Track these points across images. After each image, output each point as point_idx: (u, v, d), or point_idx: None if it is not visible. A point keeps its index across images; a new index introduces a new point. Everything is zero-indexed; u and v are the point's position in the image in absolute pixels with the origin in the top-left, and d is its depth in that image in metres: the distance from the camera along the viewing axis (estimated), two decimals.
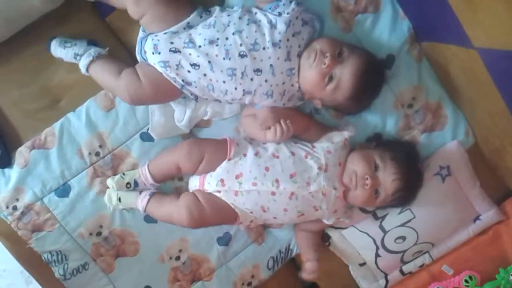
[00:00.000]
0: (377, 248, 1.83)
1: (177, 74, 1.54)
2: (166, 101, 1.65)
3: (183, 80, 1.55)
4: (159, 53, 1.53)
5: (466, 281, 1.83)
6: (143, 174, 1.69)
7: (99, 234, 1.76)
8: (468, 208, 1.81)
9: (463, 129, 1.76)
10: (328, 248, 1.89)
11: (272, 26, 1.50)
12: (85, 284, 1.80)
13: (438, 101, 1.73)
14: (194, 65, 1.52)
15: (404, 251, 1.84)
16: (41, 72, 1.70)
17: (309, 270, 1.78)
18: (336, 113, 1.70)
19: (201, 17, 1.56)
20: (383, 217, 1.79)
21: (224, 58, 1.50)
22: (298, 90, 1.58)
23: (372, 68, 1.54)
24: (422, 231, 1.80)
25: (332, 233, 1.85)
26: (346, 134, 1.65)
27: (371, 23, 1.64)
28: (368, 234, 1.82)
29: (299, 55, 1.53)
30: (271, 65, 1.50)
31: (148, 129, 1.69)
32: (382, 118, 1.72)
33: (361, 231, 1.81)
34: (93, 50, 1.62)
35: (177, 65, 1.53)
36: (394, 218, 1.78)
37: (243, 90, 1.54)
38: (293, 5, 1.52)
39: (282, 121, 1.57)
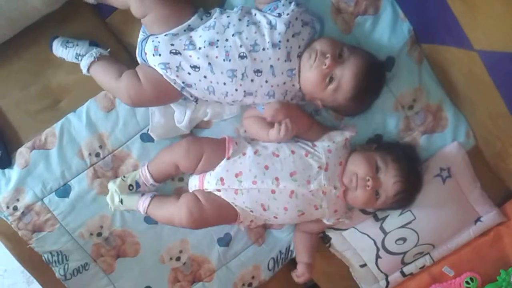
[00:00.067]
0: (378, 249, 1.83)
1: (177, 76, 1.54)
2: (166, 103, 1.66)
3: (183, 82, 1.55)
4: (160, 55, 1.53)
5: (467, 282, 1.83)
6: (143, 174, 1.69)
7: (99, 234, 1.76)
8: (469, 209, 1.81)
9: (464, 131, 1.76)
10: (329, 249, 1.88)
11: (272, 27, 1.50)
12: (85, 285, 1.81)
13: (438, 103, 1.72)
14: (194, 67, 1.52)
15: (405, 253, 1.83)
16: (42, 73, 1.70)
17: (298, 273, 1.79)
18: (336, 115, 1.70)
19: (201, 19, 1.56)
20: (384, 219, 1.79)
21: (224, 60, 1.50)
22: (300, 90, 1.57)
23: (372, 69, 1.54)
24: (423, 233, 1.80)
25: (333, 235, 1.84)
26: (347, 134, 1.64)
27: (371, 24, 1.64)
28: (368, 236, 1.81)
29: (299, 56, 1.53)
30: (271, 66, 1.50)
31: (148, 130, 1.70)
32: (383, 120, 1.72)
33: (361, 232, 1.81)
34: (94, 51, 1.62)
35: (177, 67, 1.53)
36: (394, 219, 1.78)
37: (244, 91, 1.54)
38: (292, 6, 1.52)
39: (286, 120, 1.56)
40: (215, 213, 1.64)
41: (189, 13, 1.55)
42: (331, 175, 1.60)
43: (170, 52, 1.52)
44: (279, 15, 1.52)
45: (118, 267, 1.81)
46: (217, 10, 1.57)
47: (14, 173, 1.70)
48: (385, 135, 1.74)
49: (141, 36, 1.59)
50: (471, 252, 1.86)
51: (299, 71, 1.54)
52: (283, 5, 1.54)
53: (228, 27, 1.51)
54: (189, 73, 1.53)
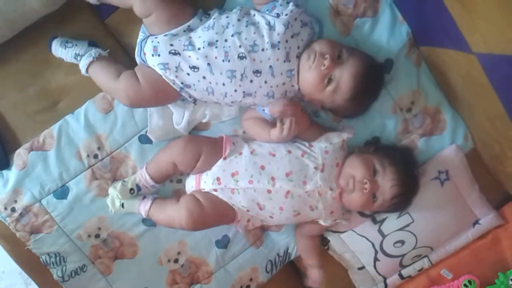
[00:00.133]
0: (376, 252, 1.83)
1: (176, 77, 1.54)
2: (165, 103, 1.65)
3: (182, 83, 1.55)
4: (159, 55, 1.53)
5: (465, 285, 1.82)
6: (142, 176, 1.69)
7: (97, 236, 1.76)
8: (467, 212, 1.81)
9: (462, 134, 1.76)
10: (327, 252, 1.88)
11: (271, 27, 1.50)
12: (83, 286, 1.80)
13: (437, 106, 1.73)
14: (193, 67, 1.51)
15: (403, 255, 1.83)
16: (40, 74, 1.70)
17: (313, 278, 1.80)
18: (334, 117, 1.70)
19: (201, 20, 1.56)
20: (382, 221, 1.79)
21: (223, 60, 1.50)
22: (299, 91, 1.57)
23: (371, 70, 1.54)
24: (421, 235, 1.80)
25: (331, 237, 1.84)
26: (344, 135, 1.64)
27: (369, 27, 1.64)
28: (367, 238, 1.81)
29: (298, 57, 1.53)
30: (270, 66, 1.50)
31: (146, 132, 1.69)
32: (381, 122, 1.72)
33: (359, 235, 1.81)
34: (93, 51, 1.62)
35: (176, 67, 1.53)
36: (393, 222, 1.78)
37: (243, 92, 1.54)
38: (291, 6, 1.53)
39: (291, 118, 1.56)
40: (215, 213, 1.64)
41: (190, 14, 1.56)
42: (328, 176, 1.60)
43: (169, 53, 1.52)
44: (278, 15, 1.52)
45: (116, 269, 1.80)
46: (216, 11, 1.58)
47: (12, 174, 1.70)
48: (383, 138, 1.74)
49: (140, 36, 1.58)
50: (470, 255, 1.86)
51: (298, 72, 1.54)
52: (280, 5, 1.54)
53: (227, 27, 1.52)
54: (188, 74, 1.53)
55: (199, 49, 1.51)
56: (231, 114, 1.69)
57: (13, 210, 1.70)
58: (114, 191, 1.68)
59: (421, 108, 1.72)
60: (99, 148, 1.70)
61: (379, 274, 1.89)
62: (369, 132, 1.73)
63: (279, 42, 1.49)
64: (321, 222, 1.68)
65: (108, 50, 1.65)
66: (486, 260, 1.85)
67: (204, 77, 1.52)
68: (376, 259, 1.85)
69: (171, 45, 1.52)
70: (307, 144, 1.64)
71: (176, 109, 1.66)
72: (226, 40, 1.50)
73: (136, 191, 1.70)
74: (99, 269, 1.80)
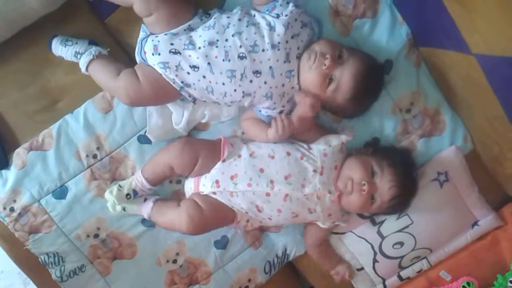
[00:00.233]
0: (375, 253, 1.83)
1: (176, 76, 1.54)
2: (165, 102, 1.65)
3: (182, 82, 1.55)
4: (159, 54, 1.53)
5: (464, 287, 1.82)
6: (139, 180, 1.68)
7: (96, 236, 1.76)
8: (466, 213, 1.81)
9: (462, 135, 1.76)
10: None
11: (271, 28, 1.50)
12: (82, 286, 1.80)
13: (436, 107, 1.73)
14: (193, 67, 1.52)
15: (402, 257, 1.83)
16: (40, 74, 1.70)
17: (342, 273, 1.84)
18: (334, 117, 1.70)
19: (201, 20, 1.56)
20: (381, 223, 1.79)
21: (223, 60, 1.50)
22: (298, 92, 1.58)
23: (372, 70, 1.55)
24: (420, 237, 1.80)
25: (330, 239, 1.84)
26: (343, 137, 1.64)
27: (369, 27, 1.65)
28: (366, 240, 1.81)
29: (298, 57, 1.54)
30: (270, 67, 1.51)
31: (145, 132, 1.69)
32: (380, 123, 1.72)
33: (359, 236, 1.81)
34: (93, 49, 1.62)
35: (176, 66, 1.53)
36: (392, 223, 1.78)
37: (243, 92, 1.54)
38: (291, 7, 1.53)
39: (279, 117, 1.56)
40: (215, 217, 1.64)
41: (190, 14, 1.56)
42: (326, 179, 1.60)
43: (170, 52, 1.52)
44: (278, 16, 1.52)
45: (114, 269, 1.80)
46: (217, 10, 1.58)
47: (11, 174, 1.70)
48: (382, 139, 1.73)
49: (141, 35, 1.58)
50: (468, 256, 1.85)
51: (298, 73, 1.54)
52: (280, 5, 1.54)
53: (228, 27, 1.52)
54: (188, 73, 1.53)
55: (199, 48, 1.51)
56: (230, 114, 1.69)
57: (12, 210, 1.70)
58: (110, 197, 1.68)
59: (420, 109, 1.72)
60: (98, 148, 1.70)
61: (378, 276, 1.88)
62: (369, 133, 1.73)
63: (279, 43, 1.50)
64: (319, 224, 1.69)
65: (108, 49, 1.65)
66: (485, 261, 1.85)
67: (204, 76, 1.52)
68: (375, 261, 1.85)
69: (172, 44, 1.52)
70: (306, 147, 1.64)
71: (176, 109, 1.66)
72: (226, 40, 1.50)
73: (132, 196, 1.69)
74: (97, 269, 1.79)
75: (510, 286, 1.79)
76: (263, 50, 1.50)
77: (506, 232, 1.84)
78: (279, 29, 1.50)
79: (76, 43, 1.64)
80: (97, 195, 1.72)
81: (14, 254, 1.77)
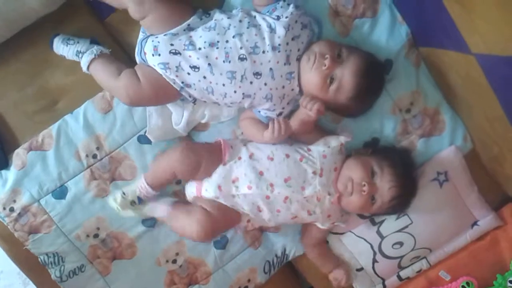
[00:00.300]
0: (375, 253, 1.83)
1: (176, 76, 1.54)
2: (165, 102, 1.65)
3: (182, 82, 1.55)
4: (159, 54, 1.53)
5: (463, 287, 1.82)
6: (143, 188, 1.66)
7: (96, 236, 1.76)
8: (466, 213, 1.81)
9: (461, 135, 1.76)
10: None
11: (272, 30, 1.51)
12: (81, 286, 1.80)
13: (436, 106, 1.73)
14: (194, 67, 1.52)
15: (402, 257, 1.83)
16: (39, 74, 1.70)
17: (339, 278, 1.82)
18: (334, 118, 1.70)
19: (200, 19, 1.56)
20: (381, 223, 1.79)
21: (224, 61, 1.50)
22: (298, 94, 1.58)
23: (372, 67, 1.55)
24: (420, 237, 1.80)
25: (330, 238, 1.84)
26: (342, 139, 1.64)
27: (369, 27, 1.65)
28: (365, 240, 1.81)
29: (299, 59, 1.54)
30: (270, 69, 1.51)
31: (145, 132, 1.69)
32: (380, 123, 1.72)
33: (358, 236, 1.81)
34: (95, 48, 1.62)
35: (177, 67, 1.53)
36: (391, 223, 1.78)
37: (243, 93, 1.54)
38: (291, 8, 1.53)
39: (276, 120, 1.56)
40: (225, 221, 1.65)
41: (188, 13, 1.56)
42: (326, 181, 1.60)
43: (170, 52, 1.52)
44: (278, 18, 1.52)
45: (114, 269, 1.80)
46: (217, 11, 1.58)
47: (10, 174, 1.70)
48: (382, 139, 1.73)
49: (141, 35, 1.59)
50: (468, 256, 1.86)
51: (298, 75, 1.54)
52: (281, 7, 1.54)
53: (228, 28, 1.52)
54: (188, 73, 1.53)
55: (199, 49, 1.51)
56: (230, 114, 1.69)
57: (11, 210, 1.70)
58: (114, 204, 1.67)
59: (420, 108, 1.72)
60: (98, 148, 1.70)
61: (378, 276, 1.88)
62: (369, 133, 1.73)
63: (279, 44, 1.50)
64: (319, 225, 1.68)
65: (110, 50, 1.65)
66: (484, 261, 1.85)
67: (204, 77, 1.52)
68: (374, 261, 1.85)
69: (172, 44, 1.52)
70: (305, 148, 1.64)
71: (175, 109, 1.66)
72: (227, 41, 1.50)
73: (137, 203, 1.69)
74: (97, 269, 1.79)
75: (509, 286, 1.79)
76: (263, 52, 1.50)
77: (506, 232, 1.84)
78: (280, 31, 1.50)
79: (78, 42, 1.64)
80: (96, 195, 1.73)
81: (13, 254, 1.77)
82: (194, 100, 1.61)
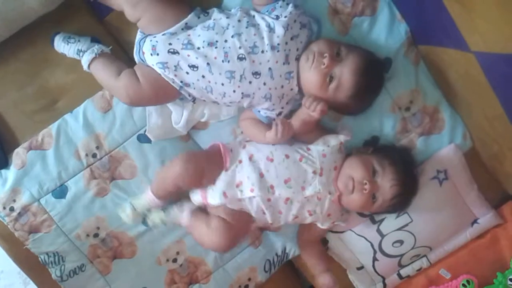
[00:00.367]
0: (375, 252, 1.83)
1: (175, 76, 1.54)
2: (165, 102, 1.65)
3: (181, 82, 1.55)
4: (158, 54, 1.53)
5: (463, 285, 1.82)
6: (151, 201, 1.66)
7: (96, 235, 1.76)
8: (466, 211, 1.81)
9: (461, 133, 1.76)
10: (326, 252, 1.88)
11: (271, 30, 1.50)
12: (82, 286, 1.80)
13: (435, 105, 1.73)
14: (192, 66, 1.52)
15: (402, 255, 1.83)
16: (39, 73, 1.71)
17: (326, 283, 1.78)
18: (333, 116, 1.70)
19: (198, 17, 1.56)
20: (381, 221, 1.79)
21: (223, 61, 1.50)
22: (297, 94, 1.57)
23: (371, 65, 1.54)
24: (420, 235, 1.80)
25: (330, 237, 1.84)
26: (342, 137, 1.64)
27: (368, 25, 1.64)
28: (365, 238, 1.81)
29: (298, 58, 1.54)
30: (269, 68, 1.51)
31: (145, 131, 1.70)
32: (380, 121, 1.72)
33: (358, 235, 1.81)
34: (96, 47, 1.62)
35: (175, 66, 1.53)
36: (391, 222, 1.78)
37: (242, 93, 1.54)
38: (290, 8, 1.53)
39: (280, 120, 1.56)
40: (243, 228, 1.66)
41: (185, 11, 1.56)
42: (326, 180, 1.60)
43: (168, 52, 1.52)
44: (277, 17, 1.52)
45: (114, 269, 1.80)
46: (215, 10, 1.58)
47: (10, 173, 1.70)
48: (382, 137, 1.73)
49: (139, 35, 1.59)
50: (468, 255, 1.86)
51: (297, 74, 1.54)
52: (280, 6, 1.54)
53: (227, 28, 1.52)
54: (187, 73, 1.53)
55: (198, 48, 1.51)
56: (229, 113, 1.69)
57: (11, 209, 1.71)
58: (125, 217, 1.68)
59: (419, 107, 1.71)
60: (97, 147, 1.70)
61: (378, 274, 1.89)
62: (368, 132, 1.73)
63: (278, 44, 1.50)
64: (319, 225, 1.68)
65: (111, 47, 1.65)
66: (484, 259, 1.85)
67: (203, 76, 1.52)
68: (375, 259, 1.85)
69: (170, 44, 1.52)
70: (304, 148, 1.63)
71: (175, 108, 1.66)
72: (226, 41, 1.50)
73: (149, 214, 1.70)
74: (97, 269, 1.80)
75: (510, 284, 1.79)
76: (262, 52, 1.50)
77: (506, 230, 1.84)
78: (279, 30, 1.50)
79: (79, 41, 1.64)
80: (96, 194, 1.73)
81: (14, 254, 1.77)
82: (194, 99, 1.61)
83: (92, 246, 1.77)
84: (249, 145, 1.66)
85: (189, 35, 1.53)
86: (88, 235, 1.75)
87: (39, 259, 1.75)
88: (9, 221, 1.71)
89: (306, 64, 1.51)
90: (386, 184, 1.59)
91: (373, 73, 1.56)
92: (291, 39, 1.51)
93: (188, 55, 1.51)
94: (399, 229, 1.79)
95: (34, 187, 1.70)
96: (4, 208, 1.71)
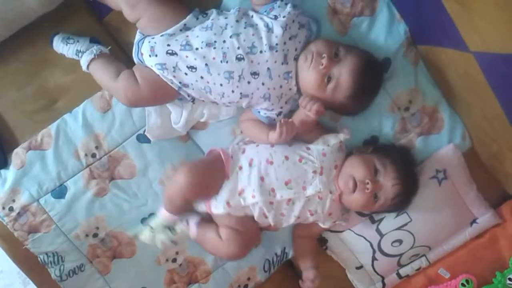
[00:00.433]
0: (374, 251, 1.83)
1: (174, 76, 1.54)
2: (164, 102, 1.66)
3: (180, 82, 1.55)
4: (156, 55, 1.53)
5: (463, 284, 1.82)
6: (167, 217, 1.65)
7: (95, 235, 1.76)
8: (465, 211, 1.81)
9: (460, 133, 1.76)
10: (325, 251, 1.88)
11: (269, 30, 1.50)
12: (81, 286, 1.80)
13: (434, 104, 1.73)
14: (191, 67, 1.52)
15: (401, 255, 1.83)
16: (38, 73, 1.71)
17: (306, 278, 1.78)
18: (332, 116, 1.70)
19: (197, 18, 1.56)
20: (380, 221, 1.79)
21: (221, 61, 1.50)
22: (296, 94, 1.57)
23: (369, 65, 1.54)
24: (419, 235, 1.80)
25: (329, 237, 1.84)
26: (341, 136, 1.64)
27: (367, 26, 1.65)
28: (364, 238, 1.81)
29: (296, 58, 1.54)
30: (268, 69, 1.51)
31: (144, 131, 1.69)
32: (379, 121, 1.72)
33: (357, 234, 1.81)
34: (95, 48, 1.63)
35: (174, 67, 1.53)
36: (390, 221, 1.78)
37: (240, 93, 1.54)
38: (288, 8, 1.53)
39: (284, 121, 1.55)
40: (253, 233, 1.69)
41: (184, 12, 1.56)
42: (327, 179, 1.60)
43: (167, 53, 1.52)
44: (275, 17, 1.52)
45: (114, 268, 1.80)
46: (214, 11, 1.58)
47: (10, 173, 1.70)
48: (381, 137, 1.73)
49: (137, 36, 1.59)
50: (467, 254, 1.86)
51: (296, 74, 1.54)
52: (278, 6, 1.54)
53: (225, 28, 1.52)
54: (186, 74, 1.53)
55: (197, 49, 1.51)
56: (229, 113, 1.69)
57: (11, 209, 1.70)
58: (148, 240, 1.68)
59: (419, 107, 1.71)
60: (97, 147, 1.70)
61: (377, 274, 1.89)
62: (367, 131, 1.73)
63: (277, 44, 1.50)
64: (320, 224, 1.68)
65: (110, 47, 1.65)
66: (483, 259, 1.85)
67: (201, 77, 1.52)
68: (374, 259, 1.85)
69: (168, 45, 1.52)
70: (304, 148, 1.63)
71: (174, 109, 1.66)
72: (224, 41, 1.50)
73: (169, 230, 1.69)
74: (97, 269, 1.79)
75: (509, 284, 1.79)
76: (261, 52, 1.50)
77: (505, 229, 1.84)
78: (277, 30, 1.50)
79: (78, 41, 1.64)
80: (96, 194, 1.73)
81: (13, 254, 1.77)
82: (193, 100, 1.61)
83: (92, 246, 1.77)
84: (248, 148, 1.66)
85: (187, 36, 1.53)
86: (87, 235, 1.75)
87: (39, 259, 1.75)
88: (9, 221, 1.71)
89: (305, 64, 1.51)
90: (388, 183, 1.59)
91: (372, 74, 1.56)
92: (290, 39, 1.51)
93: (187, 56, 1.51)
94: (398, 228, 1.79)
95: (34, 187, 1.70)
96: (4, 208, 1.70)
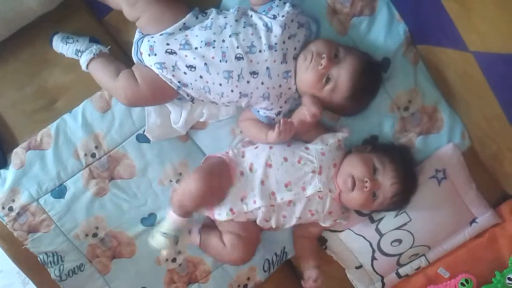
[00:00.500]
0: (373, 251, 1.83)
1: (173, 76, 1.54)
2: (163, 102, 1.66)
3: (179, 82, 1.55)
4: (155, 54, 1.53)
5: (462, 284, 1.82)
6: (176, 220, 1.62)
7: (95, 235, 1.76)
8: (464, 211, 1.81)
9: (459, 132, 1.76)
10: (325, 251, 1.88)
11: (268, 29, 1.51)
12: (81, 285, 1.80)
13: (434, 104, 1.73)
14: (190, 67, 1.52)
15: (400, 254, 1.83)
16: (38, 73, 1.71)
17: (307, 277, 1.77)
18: (331, 115, 1.70)
19: (197, 18, 1.56)
20: (379, 220, 1.79)
21: (220, 61, 1.50)
22: (295, 93, 1.57)
23: (368, 68, 1.54)
24: (418, 234, 1.80)
25: (328, 237, 1.84)
26: (339, 135, 1.64)
27: (366, 25, 1.64)
28: (364, 237, 1.81)
29: (295, 58, 1.54)
30: (267, 68, 1.51)
31: (144, 131, 1.70)
32: (378, 121, 1.72)
33: (357, 234, 1.81)
34: (94, 47, 1.63)
35: (173, 66, 1.53)
36: (390, 221, 1.78)
37: (240, 92, 1.54)
38: (287, 7, 1.53)
39: (283, 121, 1.55)
40: (256, 238, 1.69)
41: (183, 12, 1.56)
42: (326, 178, 1.60)
43: (166, 52, 1.52)
44: (274, 17, 1.52)
45: (113, 268, 1.80)
46: (213, 10, 1.58)
47: (9, 173, 1.70)
48: (381, 136, 1.73)
49: (137, 35, 1.59)
50: (466, 254, 1.86)
51: (295, 73, 1.54)
52: (277, 6, 1.54)
53: (225, 28, 1.52)
54: (185, 73, 1.53)
55: (196, 48, 1.51)
56: (228, 113, 1.69)
57: (10, 209, 1.71)
58: (159, 245, 1.64)
59: (418, 106, 1.71)
60: (96, 147, 1.70)
61: (377, 273, 1.89)
62: (367, 131, 1.73)
63: (276, 43, 1.50)
64: (321, 223, 1.68)
65: (109, 47, 1.66)
66: (483, 258, 1.85)
67: (201, 76, 1.53)
68: (373, 258, 1.85)
69: (167, 44, 1.52)
70: (303, 147, 1.64)
71: (174, 108, 1.66)
72: (223, 41, 1.50)
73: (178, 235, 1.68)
74: (96, 268, 1.80)
75: (508, 283, 1.79)
76: (260, 51, 1.50)
77: (504, 229, 1.84)
78: (276, 30, 1.50)
79: (77, 41, 1.64)
80: (95, 194, 1.73)
81: (13, 254, 1.77)
82: (192, 99, 1.61)
83: (91, 245, 1.77)
84: (247, 152, 1.66)
85: (186, 35, 1.53)
86: (87, 235, 1.75)
87: (38, 258, 1.75)
88: (8, 221, 1.71)
89: (304, 64, 1.52)
90: (387, 182, 1.59)
91: (370, 76, 1.56)
92: (289, 38, 1.51)
93: (186, 56, 1.51)
94: (398, 228, 1.79)
95: (33, 187, 1.70)
96: (3, 208, 1.71)
